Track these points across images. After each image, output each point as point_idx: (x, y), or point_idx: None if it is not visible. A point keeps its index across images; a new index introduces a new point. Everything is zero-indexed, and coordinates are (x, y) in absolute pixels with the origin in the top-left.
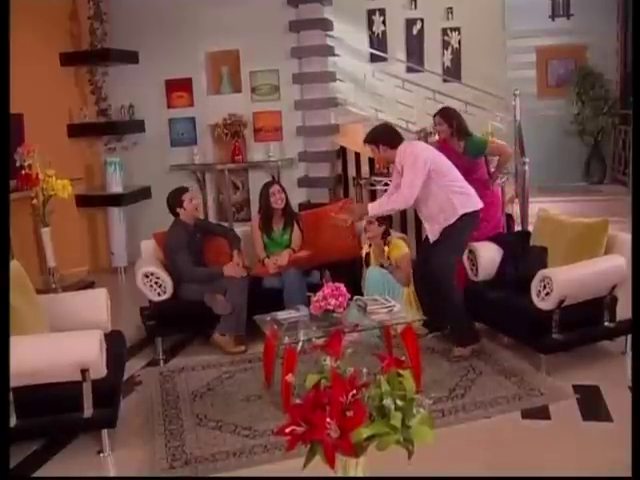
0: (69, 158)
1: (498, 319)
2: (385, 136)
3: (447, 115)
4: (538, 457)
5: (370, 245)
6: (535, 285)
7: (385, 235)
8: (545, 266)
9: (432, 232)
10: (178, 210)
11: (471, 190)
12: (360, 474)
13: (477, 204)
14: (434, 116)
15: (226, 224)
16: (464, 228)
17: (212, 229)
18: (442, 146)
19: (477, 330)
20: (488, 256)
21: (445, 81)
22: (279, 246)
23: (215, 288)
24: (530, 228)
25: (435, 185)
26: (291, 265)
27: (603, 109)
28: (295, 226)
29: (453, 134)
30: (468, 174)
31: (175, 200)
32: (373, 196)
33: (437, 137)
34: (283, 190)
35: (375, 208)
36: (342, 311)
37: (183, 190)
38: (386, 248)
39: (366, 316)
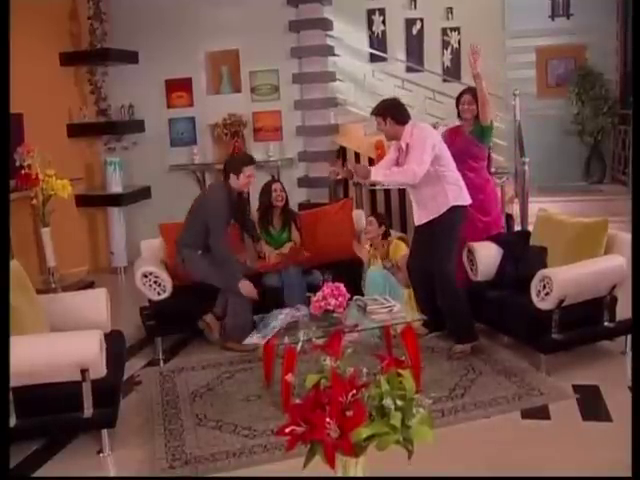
0: (69, 158)
1: (498, 319)
2: (394, 110)
3: (476, 95)
4: (538, 457)
5: (371, 245)
6: (535, 285)
7: (385, 236)
8: (545, 266)
9: (419, 217)
10: (232, 175)
11: (464, 185)
12: (360, 474)
13: (468, 199)
14: (460, 95)
15: None
16: (454, 224)
17: (246, 213)
18: (452, 130)
19: (475, 329)
20: (488, 256)
21: (445, 81)
22: (276, 243)
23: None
24: (530, 228)
25: (433, 171)
26: (291, 261)
27: (603, 109)
28: (293, 226)
29: (477, 115)
30: (472, 159)
31: (236, 166)
32: (373, 196)
33: (463, 116)
34: (284, 189)
35: (379, 175)
36: (342, 311)
37: (248, 161)
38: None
39: (366, 316)
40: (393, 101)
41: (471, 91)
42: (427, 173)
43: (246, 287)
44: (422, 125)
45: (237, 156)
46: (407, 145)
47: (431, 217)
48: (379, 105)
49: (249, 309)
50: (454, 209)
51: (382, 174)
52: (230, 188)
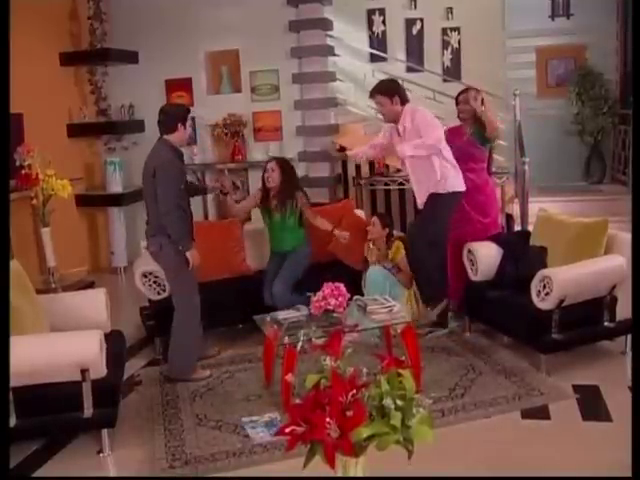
0: (69, 158)
1: (498, 319)
2: (400, 89)
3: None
4: (538, 457)
5: (373, 244)
6: (535, 285)
7: (389, 238)
8: (545, 266)
9: (419, 196)
10: (178, 126)
11: (459, 171)
12: (360, 474)
13: (462, 185)
14: (458, 95)
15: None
16: (447, 203)
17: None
18: (452, 130)
19: (445, 290)
20: (488, 256)
21: (445, 81)
22: (286, 230)
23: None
24: (530, 228)
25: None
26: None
27: (603, 109)
28: (304, 209)
29: (475, 115)
30: (473, 160)
31: (182, 114)
32: (373, 196)
33: (461, 116)
34: (280, 168)
35: (408, 150)
36: (342, 311)
37: (187, 109)
38: (389, 252)
39: (366, 316)
40: (396, 81)
41: (468, 91)
42: (423, 157)
43: (194, 255)
44: (422, 109)
45: (176, 104)
46: (404, 128)
47: (430, 191)
48: (385, 85)
49: (192, 342)
50: (448, 194)
51: (409, 149)
52: (175, 147)
